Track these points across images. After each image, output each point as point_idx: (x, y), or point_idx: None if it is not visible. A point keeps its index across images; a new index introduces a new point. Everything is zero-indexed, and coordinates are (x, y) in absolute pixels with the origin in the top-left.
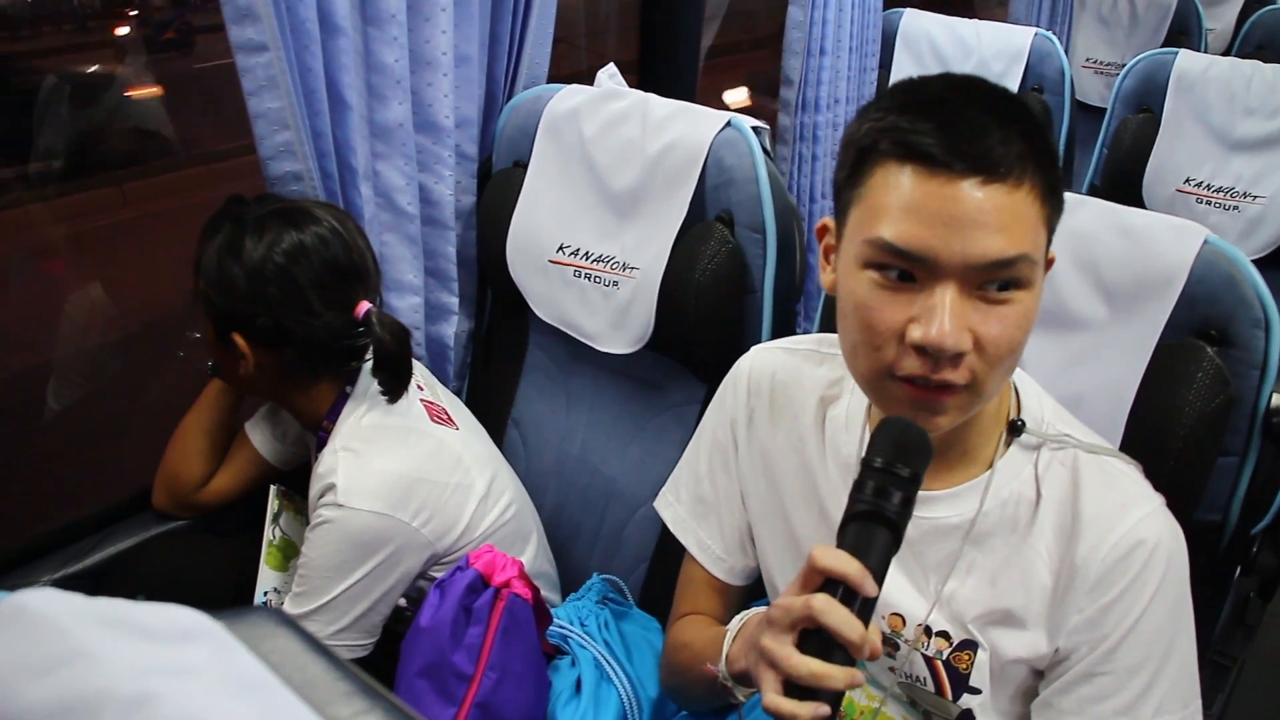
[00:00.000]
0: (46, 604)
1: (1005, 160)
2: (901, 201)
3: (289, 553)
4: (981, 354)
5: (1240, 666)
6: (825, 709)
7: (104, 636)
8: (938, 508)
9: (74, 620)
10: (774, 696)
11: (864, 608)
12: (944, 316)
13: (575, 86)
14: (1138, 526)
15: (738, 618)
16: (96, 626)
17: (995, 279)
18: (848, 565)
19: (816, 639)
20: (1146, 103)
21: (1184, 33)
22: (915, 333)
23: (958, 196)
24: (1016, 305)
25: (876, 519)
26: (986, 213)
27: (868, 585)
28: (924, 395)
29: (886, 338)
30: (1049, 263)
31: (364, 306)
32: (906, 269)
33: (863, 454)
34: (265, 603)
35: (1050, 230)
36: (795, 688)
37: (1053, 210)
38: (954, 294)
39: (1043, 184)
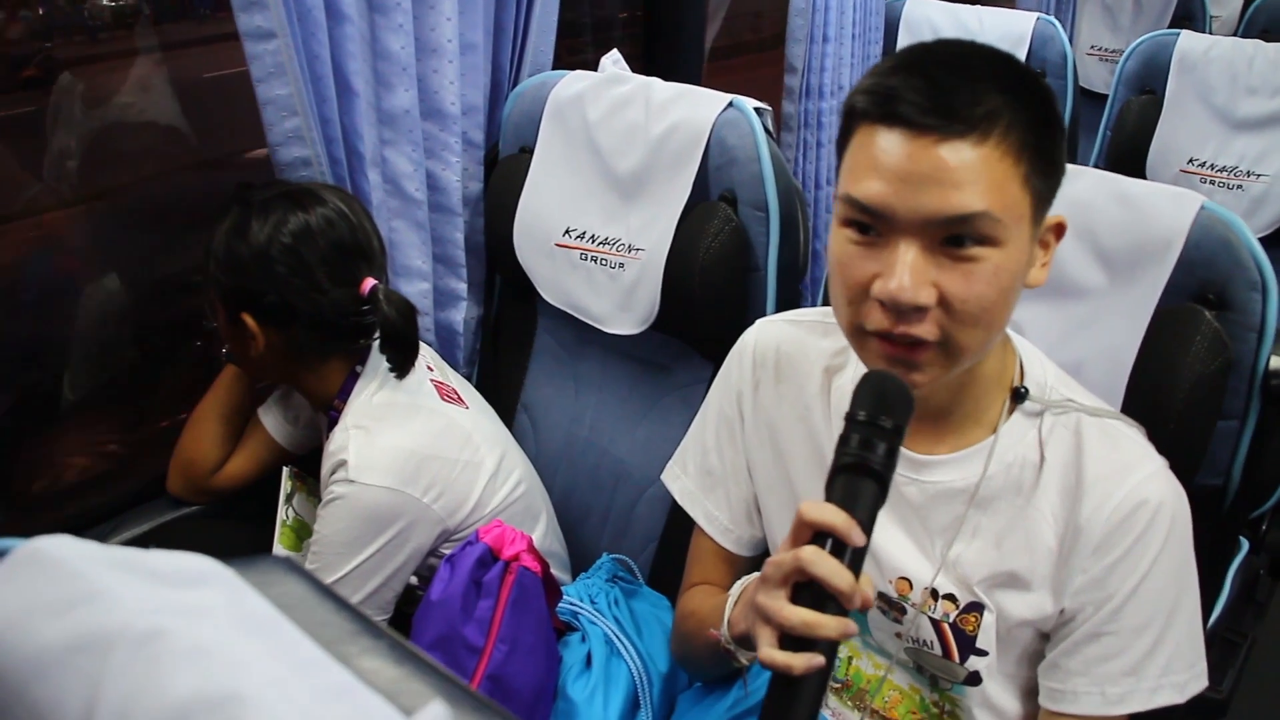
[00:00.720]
0: (63, 549)
1: (970, 116)
2: (869, 158)
3: (302, 533)
4: (949, 311)
5: (1250, 644)
6: (820, 659)
7: (118, 579)
8: (943, 472)
9: (89, 564)
10: (769, 650)
11: (854, 558)
12: (903, 271)
13: (579, 72)
14: (1141, 486)
15: (738, 583)
16: (111, 570)
17: (956, 234)
18: (834, 516)
19: (809, 592)
20: (1149, 84)
21: (1188, 18)
22: (877, 286)
23: (916, 153)
24: (984, 263)
25: (862, 471)
26: (945, 169)
27: (855, 535)
28: (896, 351)
29: (858, 292)
30: (1059, 229)
31: (370, 283)
32: (872, 224)
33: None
34: None
35: (1036, 190)
36: (791, 640)
37: (1035, 169)
38: (917, 250)
39: (1019, 141)
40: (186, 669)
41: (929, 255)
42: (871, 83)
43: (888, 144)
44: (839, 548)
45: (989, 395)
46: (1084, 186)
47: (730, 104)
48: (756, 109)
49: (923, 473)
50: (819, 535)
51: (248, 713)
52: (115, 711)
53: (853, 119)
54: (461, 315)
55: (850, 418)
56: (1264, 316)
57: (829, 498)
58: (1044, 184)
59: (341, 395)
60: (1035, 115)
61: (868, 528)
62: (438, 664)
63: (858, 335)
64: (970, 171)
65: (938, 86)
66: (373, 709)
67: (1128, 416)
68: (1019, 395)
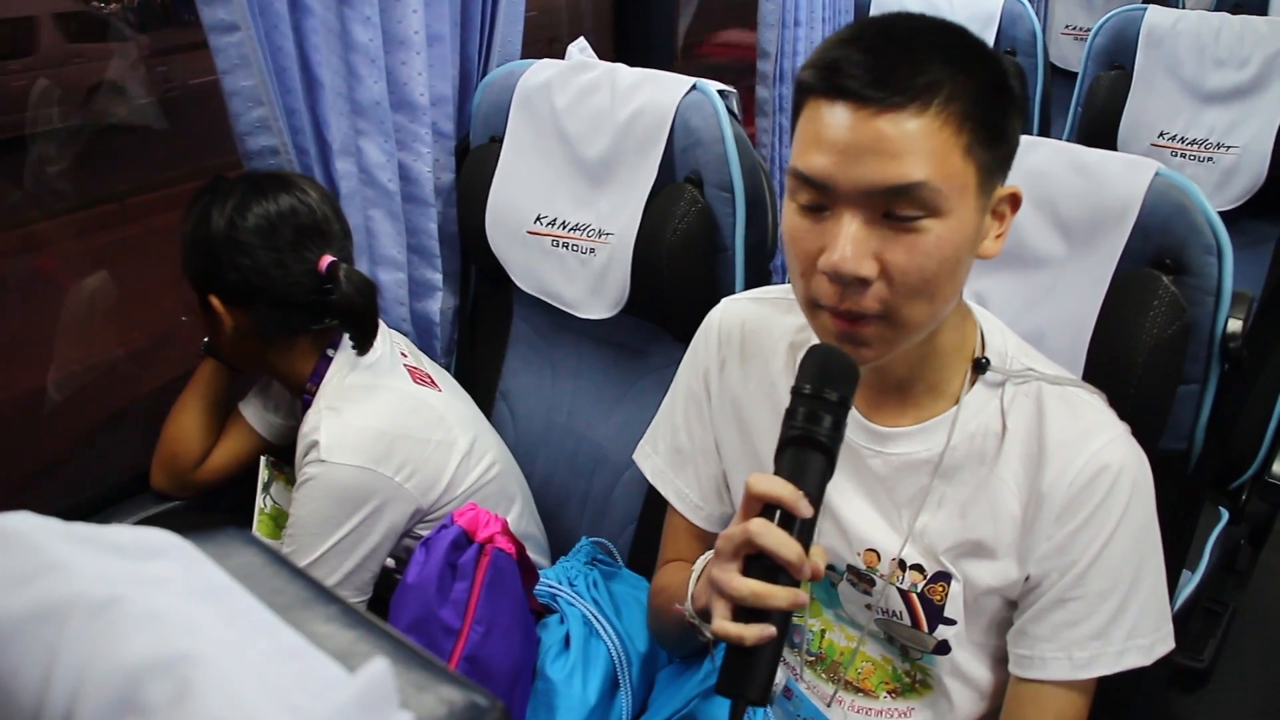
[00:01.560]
0: (24, 524)
1: (910, 87)
2: (814, 132)
3: (281, 521)
4: (890, 283)
5: (1231, 613)
6: (771, 629)
7: (78, 552)
8: (907, 444)
9: (50, 538)
10: (721, 621)
11: (803, 530)
12: (845, 243)
13: (546, 61)
14: (1101, 452)
15: (702, 558)
16: (71, 543)
17: (897, 205)
18: (781, 489)
19: (760, 564)
20: (1118, 60)
21: None
22: (822, 259)
23: (857, 124)
24: (927, 234)
25: (809, 443)
26: (885, 139)
27: (802, 506)
28: (843, 326)
29: (809, 266)
30: (1014, 200)
31: (327, 260)
32: (818, 197)
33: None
34: None
35: (980, 161)
36: (744, 612)
37: (978, 140)
38: (860, 222)
39: (961, 112)
40: (140, 634)
41: (872, 227)
42: (818, 57)
43: (831, 117)
44: (787, 519)
45: (950, 366)
46: (1041, 157)
47: (694, 87)
48: (720, 91)
49: (887, 445)
50: (769, 508)
51: (198, 673)
52: (71, 676)
53: (802, 94)
54: (437, 305)
55: (796, 391)
56: (1220, 280)
57: (777, 471)
58: (989, 155)
59: (314, 379)
60: (980, 86)
61: (815, 499)
62: (389, 628)
63: (811, 309)
64: (910, 141)
65: (880, 58)
66: (321, 668)
67: (1089, 383)
68: (980, 366)
